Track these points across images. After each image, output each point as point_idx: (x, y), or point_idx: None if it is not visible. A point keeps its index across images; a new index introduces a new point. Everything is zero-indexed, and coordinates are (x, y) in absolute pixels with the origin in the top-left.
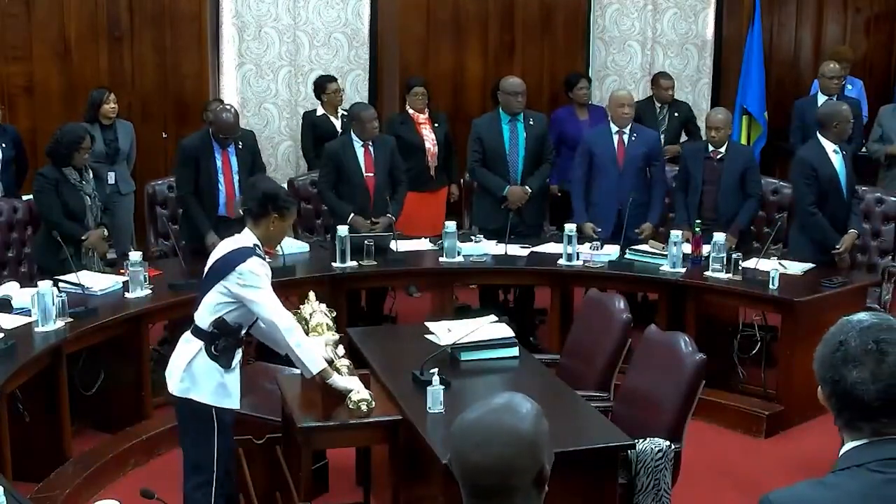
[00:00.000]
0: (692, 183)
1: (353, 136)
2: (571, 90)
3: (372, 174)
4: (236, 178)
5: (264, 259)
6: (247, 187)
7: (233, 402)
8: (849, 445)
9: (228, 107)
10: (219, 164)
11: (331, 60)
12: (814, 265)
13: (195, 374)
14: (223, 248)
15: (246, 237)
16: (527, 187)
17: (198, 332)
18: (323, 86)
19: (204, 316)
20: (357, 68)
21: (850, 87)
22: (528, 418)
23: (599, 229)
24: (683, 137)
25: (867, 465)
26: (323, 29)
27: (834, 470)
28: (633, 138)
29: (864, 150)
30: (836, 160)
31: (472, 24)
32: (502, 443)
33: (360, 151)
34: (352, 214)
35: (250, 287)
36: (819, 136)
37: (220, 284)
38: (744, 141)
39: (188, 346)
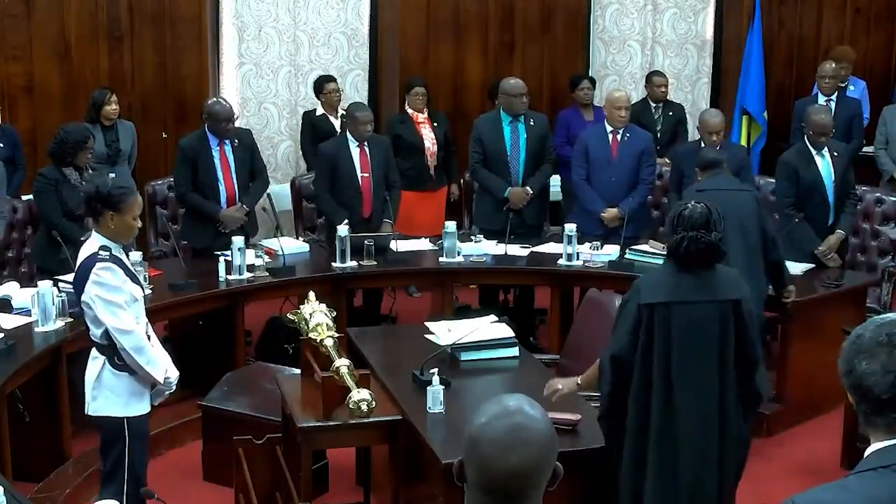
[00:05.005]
0: (686, 183)
1: (349, 137)
2: (574, 91)
3: (367, 175)
4: (235, 175)
5: (110, 260)
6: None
7: (144, 406)
8: (874, 447)
9: (217, 99)
10: (217, 162)
11: (331, 60)
12: (814, 265)
13: (105, 390)
14: (79, 257)
15: (92, 242)
16: (528, 188)
17: (100, 348)
18: (321, 86)
19: (93, 331)
20: (357, 68)
21: (852, 87)
22: (543, 419)
23: (623, 213)
24: None
25: (892, 467)
26: (323, 29)
27: (858, 471)
28: (627, 138)
29: (868, 149)
30: (821, 162)
31: (472, 24)
32: (535, 445)
33: (355, 152)
34: (345, 222)
35: (98, 303)
36: (805, 137)
37: (82, 301)
38: (743, 141)
39: (94, 364)
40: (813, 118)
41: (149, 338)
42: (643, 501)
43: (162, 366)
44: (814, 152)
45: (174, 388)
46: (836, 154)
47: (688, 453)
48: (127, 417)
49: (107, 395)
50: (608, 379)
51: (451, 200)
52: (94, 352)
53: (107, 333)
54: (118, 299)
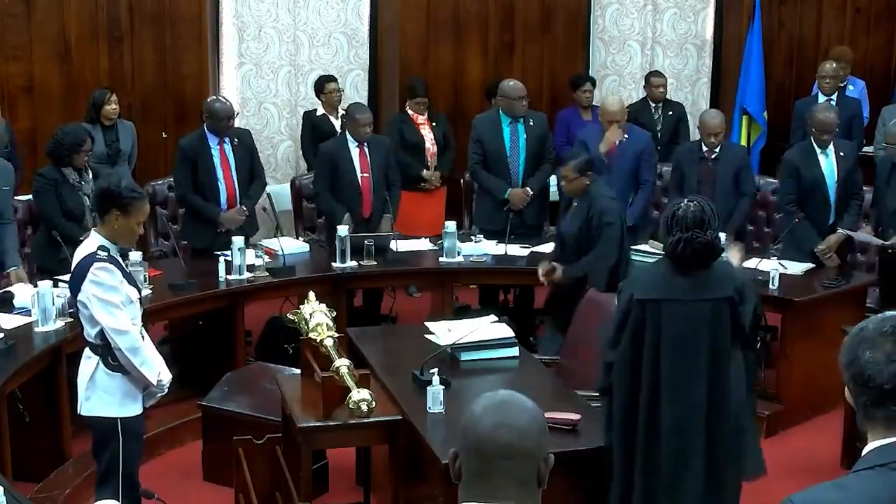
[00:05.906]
0: (686, 184)
1: (349, 137)
2: (575, 91)
3: (367, 175)
4: (235, 174)
5: (108, 261)
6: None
7: (138, 407)
8: (872, 444)
9: (217, 97)
10: (217, 161)
11: (331, 60)
12: (814, 265)
13: (99, 390)
14: (76, 256)
15: (91, 241)
16: (528, 189)
17: (93, 348)
18: (322, 86)
19: (87, 330)
20: (357, 68)
21: (851, 87)
22: (533, 406)
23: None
24: None
25: (890, 465)
26: (323, 29)
27: (856, 470)
28: (625, 139)
29: (868, 149)
30: (825, 161)
31: (472, 24)
32: (520, 421)
33: (355, 152)
34: (346, 217)
35: (94, 302)
36: (810, 136)
37: (78, 300)
38: (743, 141)
39: (88, 364)
40: (817, 116)
41: (142, 339)
42: (631, 500)
43: (156, 368)
44: (818, 151)
45: (166, 390)
46: (841, 154)
47: (669, 453)
48: (120, 418)
49: (100, 396)
50: (603, 363)
51: (425, 183)
52: (87, 351)
53: (101, 333)
54: (115, 299)
